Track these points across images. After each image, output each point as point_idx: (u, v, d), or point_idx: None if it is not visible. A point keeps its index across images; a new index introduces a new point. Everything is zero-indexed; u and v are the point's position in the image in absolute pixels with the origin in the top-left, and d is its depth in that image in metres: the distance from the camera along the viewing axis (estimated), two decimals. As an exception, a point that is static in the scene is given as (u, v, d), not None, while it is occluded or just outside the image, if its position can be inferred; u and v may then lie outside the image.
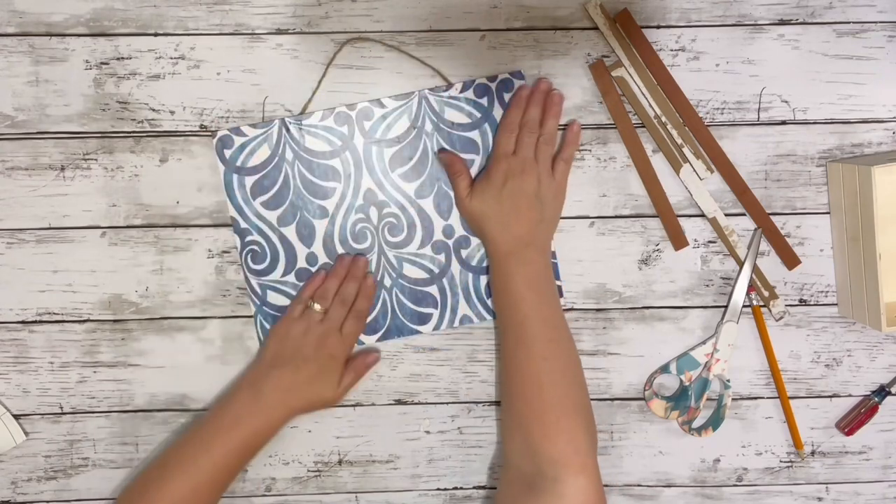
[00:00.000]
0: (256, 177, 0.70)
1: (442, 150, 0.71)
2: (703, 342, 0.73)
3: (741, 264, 0.72)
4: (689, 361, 0.73)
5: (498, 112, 0.71)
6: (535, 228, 0.68)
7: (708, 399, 0.73)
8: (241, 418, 0.66)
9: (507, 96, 0.71)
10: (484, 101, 0.71)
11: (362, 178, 0.71)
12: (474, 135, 0.71)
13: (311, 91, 0.71)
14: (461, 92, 0.71)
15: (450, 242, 0.71)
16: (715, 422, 0.73)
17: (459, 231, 0.72)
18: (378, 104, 0.70)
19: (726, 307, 0.73)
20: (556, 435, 0.63)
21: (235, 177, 0.70)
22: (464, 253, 0.71)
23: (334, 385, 0.68)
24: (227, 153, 0.70)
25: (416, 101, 0.70)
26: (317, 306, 0.69)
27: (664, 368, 0.73)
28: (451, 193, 0.71)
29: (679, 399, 0.73)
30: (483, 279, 0.72)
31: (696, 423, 0.73)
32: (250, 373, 0.69)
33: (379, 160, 0.71)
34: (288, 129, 0.70)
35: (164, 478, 0.65)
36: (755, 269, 0.73)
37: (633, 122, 0.72)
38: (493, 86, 0.71)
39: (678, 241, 0.72)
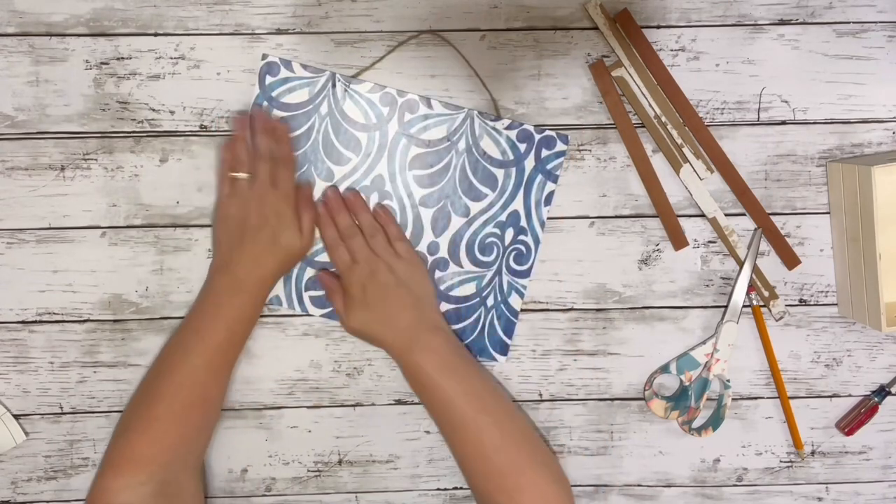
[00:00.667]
0: (284, 114, 0.70)
1: (321, 269, 0.71)
2: (703, 342, 0.73)
3: (741, 264, 0.72)
4: (689, 361, 0.73)
5: (530, 163, 0.71)
6: (416, 313, 0.67)
7: (708, 399, 0.73)
8: (221, 303, 0.66)
9: (545, 152, 0.71)
10: (522, 147, 0.71)
11: (379, 163, 0.71)
12: (499, 173, 0.71)
13: (372, 60, 0.71)
14: (506, 129, 0.70)
15: (429, 258, 0.71)
16: (715, 421, 0.73)
17: (443, 254, 0.71)
18: (426, 103, 0.70)
19: (726, 307, 0.73)
20: (522, 495, 0.62)
21: (265, 104, 0.70)
22: (437, 274, 0.71)
23: (296, 234, 0.68)
24: (268, 80, 0.70)
25: (463, 116, 0.70)
26: (241, 175, 0.68)
27: (664, 368, 0.73)
28: (453, 216, 0.71)
29: (679, 399, 0.73)
30: (445, 305, 0.72)
31: (696, 423, 0.73)
32: (214, 264, 0.69)
33: (402, 153, 0.71)
34: (335, 85, 0.70)
35: (161, 380, 0.65)
36: (755, 269, 0.73)
37: (633, 122, 0.72)
38: (536, 137, 0.71)
39: (678, 241, 0.72)
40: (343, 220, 0.69)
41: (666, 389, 0.74)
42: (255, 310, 0.68)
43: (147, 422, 0.64)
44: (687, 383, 0.73)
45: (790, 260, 0.73)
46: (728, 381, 0.73)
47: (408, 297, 0.68)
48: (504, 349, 0.72)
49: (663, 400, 0.73)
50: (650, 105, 0.71)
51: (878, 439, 0.75)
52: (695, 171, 0.72)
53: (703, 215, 0.73)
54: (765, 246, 0.73)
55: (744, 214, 0.73)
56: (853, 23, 0.72)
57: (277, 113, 0.70)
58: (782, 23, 0.72)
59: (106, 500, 0.62)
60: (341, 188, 0.71)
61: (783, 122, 0.73)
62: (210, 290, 0.68)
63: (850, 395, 0.74)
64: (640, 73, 0.71)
